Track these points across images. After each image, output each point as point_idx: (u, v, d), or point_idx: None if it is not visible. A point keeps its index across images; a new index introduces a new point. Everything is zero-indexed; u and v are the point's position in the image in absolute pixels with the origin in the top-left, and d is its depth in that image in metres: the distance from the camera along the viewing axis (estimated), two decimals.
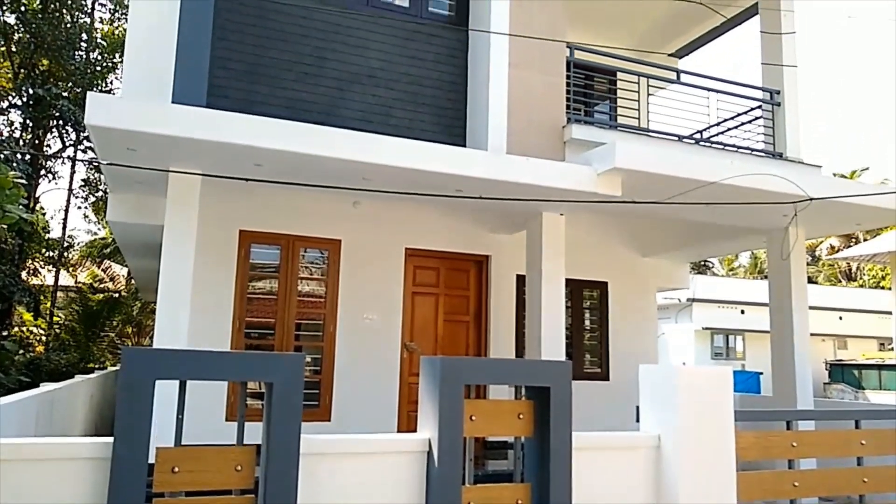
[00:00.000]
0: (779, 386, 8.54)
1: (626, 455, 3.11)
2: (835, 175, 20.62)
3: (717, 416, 3.10)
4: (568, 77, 8.02)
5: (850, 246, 27.62)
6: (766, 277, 9.03)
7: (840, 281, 36.69)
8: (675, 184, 6.84)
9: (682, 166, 6.81)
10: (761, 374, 20.26)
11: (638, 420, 3.25)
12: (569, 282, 8.03)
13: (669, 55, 11.98)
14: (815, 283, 34.96)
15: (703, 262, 35.74)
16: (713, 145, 9.13)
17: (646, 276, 10.64)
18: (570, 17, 8.24)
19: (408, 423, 8.23)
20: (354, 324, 8.20)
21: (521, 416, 2.81)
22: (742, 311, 26.10)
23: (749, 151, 9.04)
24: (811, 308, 8.72)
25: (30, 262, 17.89)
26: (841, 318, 27.00)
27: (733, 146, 9.03)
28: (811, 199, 6.37)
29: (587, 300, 10.23)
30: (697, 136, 9.76)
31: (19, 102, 16.80)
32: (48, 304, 18.28)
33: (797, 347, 8.31)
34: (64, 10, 16.82)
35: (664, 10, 10.51)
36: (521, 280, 8.86)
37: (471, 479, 2.71)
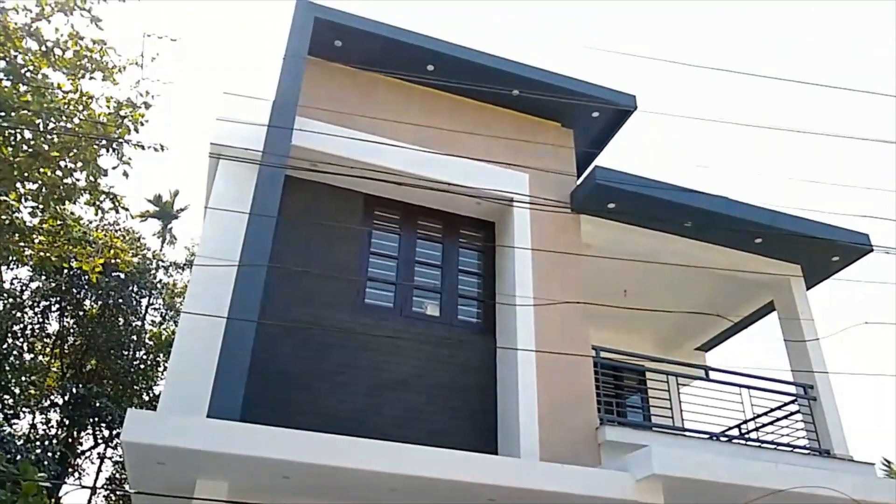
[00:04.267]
0: None
1: None
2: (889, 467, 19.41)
3: None
4: (597, 376, 8.11)
5: None
6: None
7: None
8: (719, 490, 6.51)
9: (726, 472, 6.53)
10: None
11: None
12: None
13: (696, 349, 12.23)
14: None
15: None
16: (750, 443, 8.82)
17: None
18: (594, 321, 8.60)
19: None
20: None
21: None
22: None
23: (791, 449, 8.67)
24: None
25: None
26: None
27: (772, 443, 8.69)
28: None
29: None
30: (734, 430, 9.48)
31: (61, 401, 17.28)
32: None
33: None
34: (119, 315, 18.07)
35: (680, 314, 10.89)
36: None
37: None
